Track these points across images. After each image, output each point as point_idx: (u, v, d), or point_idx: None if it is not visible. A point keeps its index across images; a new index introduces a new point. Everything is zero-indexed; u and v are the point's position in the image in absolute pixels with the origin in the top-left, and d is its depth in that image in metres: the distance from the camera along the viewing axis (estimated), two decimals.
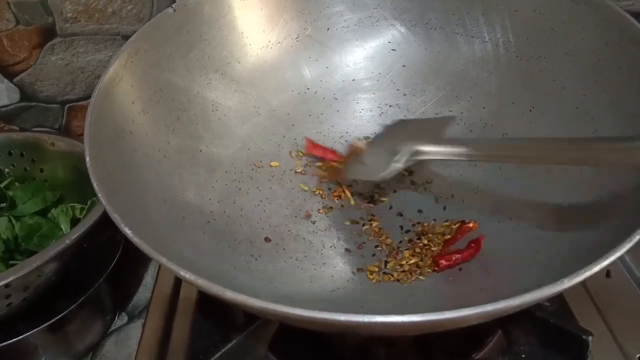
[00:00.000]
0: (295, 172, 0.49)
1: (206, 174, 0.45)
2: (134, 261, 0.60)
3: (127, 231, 0.29)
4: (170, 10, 0.46)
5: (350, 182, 0.49)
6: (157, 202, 0.39)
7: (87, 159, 0.34)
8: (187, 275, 0.27)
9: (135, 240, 0.29)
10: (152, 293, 0.51)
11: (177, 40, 0.47)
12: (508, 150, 0.40)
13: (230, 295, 0.26)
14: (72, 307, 0.48)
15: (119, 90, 0.41)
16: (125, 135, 0.40)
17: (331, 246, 0.43)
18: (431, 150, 0.42)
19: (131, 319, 0.56)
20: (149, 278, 0.61)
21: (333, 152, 0.50)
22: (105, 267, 0.51)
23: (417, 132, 0.46)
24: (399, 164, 0.43)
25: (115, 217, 0.30)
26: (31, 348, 0.47)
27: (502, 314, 0.26)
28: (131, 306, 0.57)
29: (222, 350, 0.38)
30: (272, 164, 0.49)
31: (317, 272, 0.41)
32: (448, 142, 0.42)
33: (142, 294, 0.59)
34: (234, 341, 0.39)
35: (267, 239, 0.43)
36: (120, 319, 0.56)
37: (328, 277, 0.40)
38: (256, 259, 0.40)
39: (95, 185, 0.32)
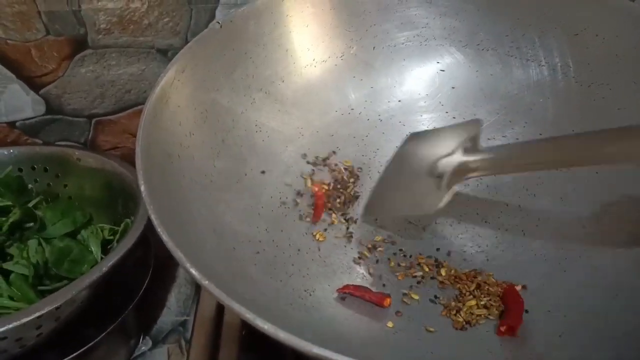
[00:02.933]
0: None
1: (252, 200, 0.43)
2: (158, 283, 0.57)
3: (195, 273, 0.27)
4: (217, 25, 0.44)
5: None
6: (208, 232, 0.37)
7: (142, 188, 0.32)
8: (267, 327, 0.25)
9: (205, 283, 0.26)
10: (195, 317, 0.48)
11: (222, 58, 0.45)
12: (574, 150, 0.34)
13: (316, 350, 0.24)
14: (101, 336, 0.46)
15: (166, 112, 0.39)
16: (173, 160, 0.38)
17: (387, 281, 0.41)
18: (480, 160, 0.36)
19: (155, 343, 0.54)
20: (172, 300, 0.59)
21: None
22: (133, 292, 0.49)
23: (447, 145, 0.40)
24: (450, 190, 0.38)
25: (180, 257, 0.28)
26: None
27: None
28: (155, 330, 0.55)
29: None
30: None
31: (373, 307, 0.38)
32: (495, 151, 0.37)
33: (167, 317, 0.57)
34: None
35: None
36: (145, 344, 0.54)
37: (389, 313, 0.37)
38: (310, 295, 0.38)
39: (154, 220, 0.30)
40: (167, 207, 0.34)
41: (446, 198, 0.38)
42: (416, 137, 0.46)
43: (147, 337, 0.54)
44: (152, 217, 0.30)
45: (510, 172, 0.37)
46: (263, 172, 0.45)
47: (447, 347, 0.35)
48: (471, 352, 0.35)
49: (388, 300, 0.38)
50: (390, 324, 0.36)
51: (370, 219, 0.45)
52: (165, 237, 0.29)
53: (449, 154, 0.39)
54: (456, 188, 0.39)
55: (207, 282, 0.26)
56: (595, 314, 0.34)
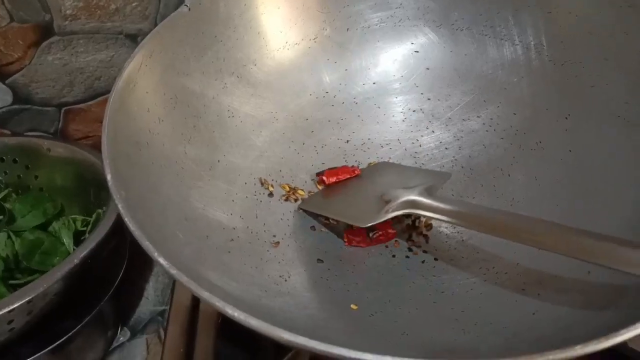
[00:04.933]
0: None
1: (225, 186, 0.42)
2: (135, 273, 0.57)
3: (163, 262, 0.26)
4: (185, 8, 0.43)
5: None
6: (179, 221, 0.36)
7: (109, 177, 0.31)
8: (237, 314, 0.24)
9: (173, 272, 0.26)
10: (170, 306, 0.47)
11: (191, 41, 0.43)
12: (517, 228, 0.33)
13: (287, 337, 0.23)
14: (77, 327, 0.45)
15: (134, 98, 0.38)
16: (142, 148, 0.37)
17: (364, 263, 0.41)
18: (428, 204, 0.37)
19: (134, 334, 0.54)
20: (150, 290, 0.58)
21: (352, 170, 0.46)
22: (109, 282, 0.49)
23: (410, 181, 0.42)
24: (389, 213, 0.38)
25: (148, 246, 0.27)
26: None
27: None
28: (133, 320, 0.55)
29: None
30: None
31: (350, 292, 0.38)
32: (447, 201, 0.38)
33: (145, 307, 0.56)
34: None
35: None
36: (123, 335, 0.53)
37: (365, 300, 0.37)
38: (286, 280, 0.37)
39: (121, 209, 0.29)
40: (135, 196, 0.33)
41: (379, 220, 0.39)
42: (388, 165, 0.47)
43: (125, 328, 0.54)
44: (119, 206, 0.29)
45: (451, 223, 0.38)
46: (236, 158, 0.44)
47: (421, 326, 0.34)
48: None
49: (357, 170, 0.45)
50: (354, 306, 0.36)
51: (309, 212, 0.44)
52: (132, 227, 0.28)
53: (406, 187, 0.40)
54: (390, 215, 0.39)
55: (175, 271, 0.26)
56: (566, 289, 0.34)
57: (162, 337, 0.51)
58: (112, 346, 0.51)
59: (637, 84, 0.40)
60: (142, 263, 0.58)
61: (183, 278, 0.26)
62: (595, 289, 0.33)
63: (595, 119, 0.42)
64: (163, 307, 0.55)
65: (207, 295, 0.25)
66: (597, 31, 0.43)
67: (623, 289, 0.31)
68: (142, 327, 0.54)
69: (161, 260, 0.26)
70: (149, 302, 0.57)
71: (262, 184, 0.45)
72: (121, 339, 0.52)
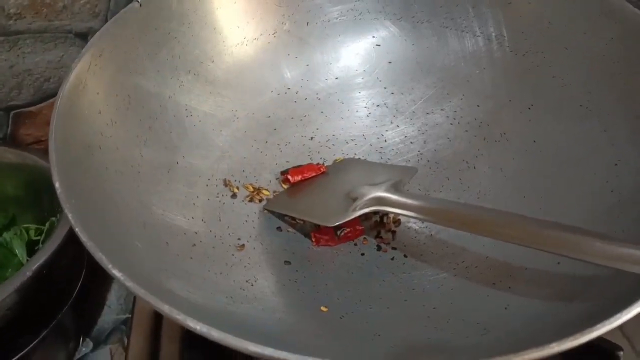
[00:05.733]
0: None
1: (186, 189, 0.41)
2: (97, 281, 0.54)
3: (118, 274, 0.25)
4: (135, 4, 0.41)
5: None
6: (137, 228, 0.34)
7: (57, 185, 0.29)
8: (199, 327, 0.23)
9: (129, 285, 0.24)
10: (132, 315, 0.45)
11: (144, 38, 0.42)
12: (484, 221, 0.33)
13: (253, 348, 0.22)
14: (35, 342, 0.43)
15: (83, 100, 0.36)
16: (94, 152, 0.35)
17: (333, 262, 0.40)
18: (395, 201, 0.37)
19: (97, 344, 0.52)
20: (113, 298, 0.56)
21: (317, 167, 0.45)
22: (67, 292, 0.47)
23: (376, 178, 0.41)
24: (356, 211, 0.38)
25: (101, 257, 0.25)
26: None
27: None
28: (96, 330, 0.53)
29: None
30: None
31: (320, 294, 0.37)
32: (414, 196, 0.37)
33: (107, 316, 0.54)
34: None
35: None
36: (85, 346, 0.51)
37: (335, 301, 0.36)
38: (252, 285, 0.36)
39: (71, 219, 0.27)
40: (88, 204, 0.31)
41: (346, 219, 0.38)
42: (354, 162, 0.46)
43: (88, 339, 0.51)
44: (69, 216, 0.27)
45: (419, 219, 0.37)
46: (196, 159, 0.43)
47: (393, 326, 0.34)
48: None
49: (322, 167, 0.44)
50: (324, 308, 0.35)
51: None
52: (83, 237, 0.26)
53: (372, 184, 0.39)
54: (358, 213, 0.38)
55: (131, 283, 0.24)
56: (536, 281, 0.34)
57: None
58: (75, 358, 0.49)
59: (597, 73, 0.40)
60: (102, 271, 0.55)
61: (140, 291, 0.24)
62: (564, 279, 0.33)
63: (558, 109, 0.42)
64: (126, 315, 0.53)
65: (167, 308, 0.24)
66: (556, 21, 0.43)
67: (591, 279, 0.31)
68: (106, 337, 0.52)
69: (116, 272, 0.25)
70: (111, 310, 0.55)
71: (225, 185, 0.43)
72: (84, 349, 0.50)
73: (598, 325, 0.23)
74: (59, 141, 0.32)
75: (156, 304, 0.24)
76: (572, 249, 0.29)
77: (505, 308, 0.32)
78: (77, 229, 0.27)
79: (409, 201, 0.36)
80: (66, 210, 0.27)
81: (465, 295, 0.35)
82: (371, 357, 0.28)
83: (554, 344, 0.22)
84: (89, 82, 0.36)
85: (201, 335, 0.24)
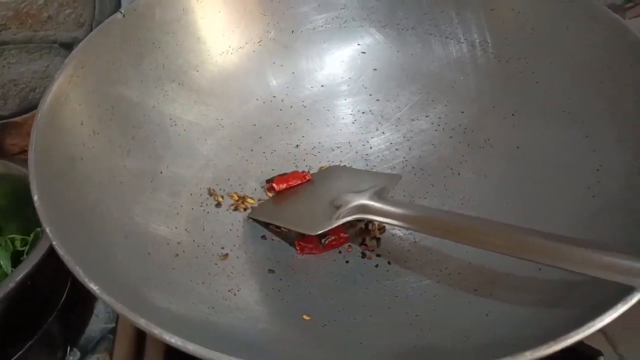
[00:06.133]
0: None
1: (169, 198, 0.41)
2: (84, 290, 0.54)
3: (94, 287, 0.25)
4: (118, 15, 0.41)
5: None
6: (118, 239, 0.34)
7: (35, 198, 0.29)
8: (174, 340, 0.23)
9: (105, 298, 0.24)
10: (116, 325, 0.45)
11: (127, 49, 0.42)
12: (467, 229, 0.33)
13: None
14: (20, 352, 0.43)
15: (65, 111, 0.36)
16: (76, 163, 0.35)
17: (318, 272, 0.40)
18: (379, 209, 0.37)
19: (84, 354, 0.51)
20: (100, 307, 0.55)
21: (302, 175, 0.45)
22: (54, 301, 0.46)
23: (360, 185, 0.41)
24: (340, 219, 0.38)
25: (77, 271, 0.25)
26: None
27: None
28: (83, 340, 0.52)
29: None
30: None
31: (303, 302, 0.37)
32: (397, 204, 0.37)
33: (95, 325, 0.54)
34: None
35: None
36: (73, 355, 0.51)
37: (319, 310, 0.36)
38: (235, 294, 0.36)
39: (48, 231, 0.27)
40: (69, 217, 0.31)
41: (329, 227, 0.38)
42: (339, 169, 0.46)
43: (75, 349, 0.51)
44: (47, 230, 0.27)
45: (401, 227, 0.37)
46: (180, 168, 0.43)
47: (376, 334, 0.34)
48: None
49: (307, 175, 0.45)
50: (306, 317, 0.35)
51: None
52: (61, 251, 0.26)
53: (356, 191, 0.39)
54: (341, 222, 0.38)
55: (107, 297, 0.24)
56: (518, 288, 0.34)
57: None
58: None
59: (580, 78, 0.40)
60: None
61: (117, 305, 0.24)
62: (545, 286, 0.33)
63: (541, 115, 0.42)
64: (114, 324, 0.53)
65: (144, 322, 0.24)
66: (539, 27, 0.43)
67: (572, 285, 0.31)
68: (93, 347, 0.52)
69: (92, 285, 0.25)
70: (99, 319, 0.54)
71: (210, 194, 0.43)
72: (71, 359, 0.50)
73: (572, 333, 0.23)
74: (39, 153, 0.32)
75: (133, 318, 0.24)
76: (556, 257, 0.29)
77: (487, 315, 0.32)
78: (54, 243, 0.27)
79: (391, 209, 0.36)
80: (44, 224, 0.27)
81: (448, 302, 0.35)
82: None
83: (527, 353, 0.22)
84: (71, 93, 0.36)
85: (177, 348, 0.24)
